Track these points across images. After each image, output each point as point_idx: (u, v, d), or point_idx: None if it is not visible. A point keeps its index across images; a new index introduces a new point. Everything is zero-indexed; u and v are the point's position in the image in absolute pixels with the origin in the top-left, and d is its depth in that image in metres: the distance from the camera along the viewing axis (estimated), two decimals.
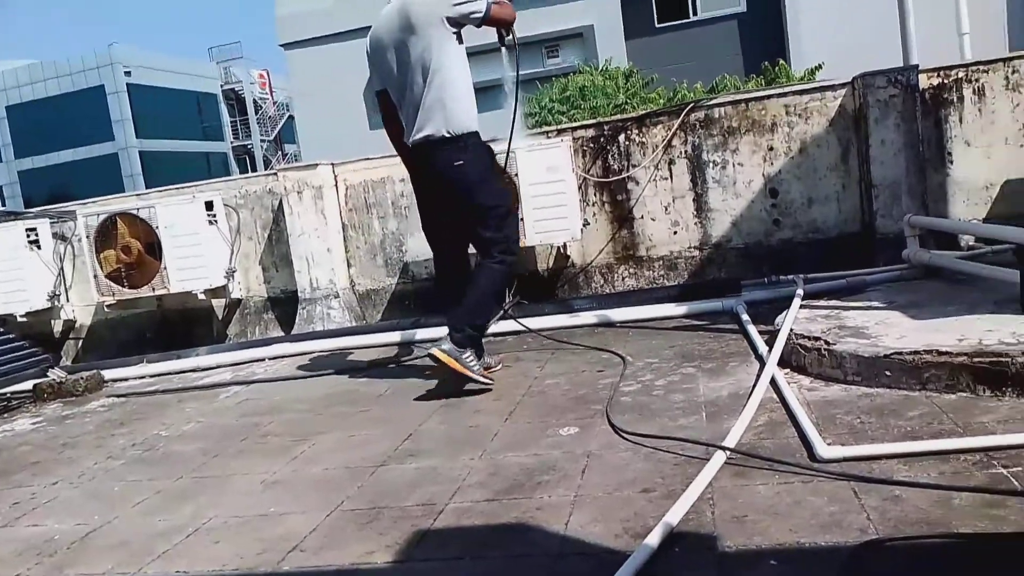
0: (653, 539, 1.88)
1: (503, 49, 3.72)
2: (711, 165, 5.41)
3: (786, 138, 5.29)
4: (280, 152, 43.33)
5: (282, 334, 5.99)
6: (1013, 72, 4.95)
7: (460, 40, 3.55)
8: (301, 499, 2.57)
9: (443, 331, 3.74)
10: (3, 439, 3.94)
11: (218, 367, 5.03)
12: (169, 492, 2.81)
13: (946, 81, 5.06)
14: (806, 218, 5.31)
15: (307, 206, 5.84)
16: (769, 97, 5.36)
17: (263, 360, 5.04)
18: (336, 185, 5.99)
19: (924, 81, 5.05)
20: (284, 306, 6.20)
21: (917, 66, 5.16)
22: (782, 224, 5.35)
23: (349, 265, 6.06)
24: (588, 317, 4.76)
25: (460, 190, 3.58)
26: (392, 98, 3.69)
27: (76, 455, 3.45)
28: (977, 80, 5.02)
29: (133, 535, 2.45)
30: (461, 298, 3.63)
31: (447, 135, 3.50)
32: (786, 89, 5.47)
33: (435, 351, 3.49)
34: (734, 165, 5.37)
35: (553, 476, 2.45)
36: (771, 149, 5.31)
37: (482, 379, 3.54)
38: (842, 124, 5.19)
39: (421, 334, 4.97)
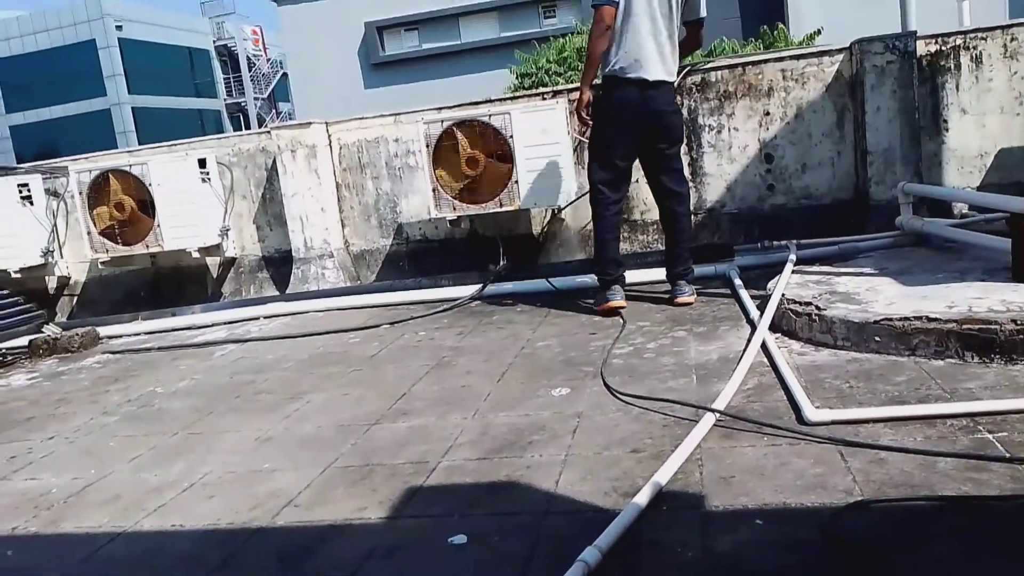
0: (642, 498, 1.92)
1: None
2: (707, 129, 5.38)
3: (782, 103, 5.25)
4: (274, 110, 42.76)
5: (276, 293, 5.99)
6: (1012, 40, 4.91)
7: None
8: (294, 456, 2.60)
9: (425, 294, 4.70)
10: None
11: (212, 325, 5.05)
12: (163, 448, 2.84)
13: (944, 48, 5.03)
14: (800, 184, 5.30)
15: (301, 165, 5.80)
16: (766, 62, 5.31)
17: (257, 319, 5.05)
18: (330, 144, 5.95)
19: (922, 48, 5.01)
20: (278, 265, 6.19)
21: (915, 32, 5.11)
22: (776, 189, 5.34)
23: (343, 225, 6.04)
24: (582, 280, 4.77)
25: (674, 126, 4.03)
26: (620, 17, 3.82)
27: (71, 411, 3.48)
28: (975, 48, 4.98)
29: (128, 490, 2.48)
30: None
31: (674, 80, 3.98)
32: (783, 54, 5.42)
33: (685, 299, 4.00)
34: (730, 130, 5.35)
35: (543, 436, 2.49)
36: (767, 114, 5.29)
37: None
38: (838, 90, 5.16)
39: (416, 295, 4.98)
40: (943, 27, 5.36)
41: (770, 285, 3.68)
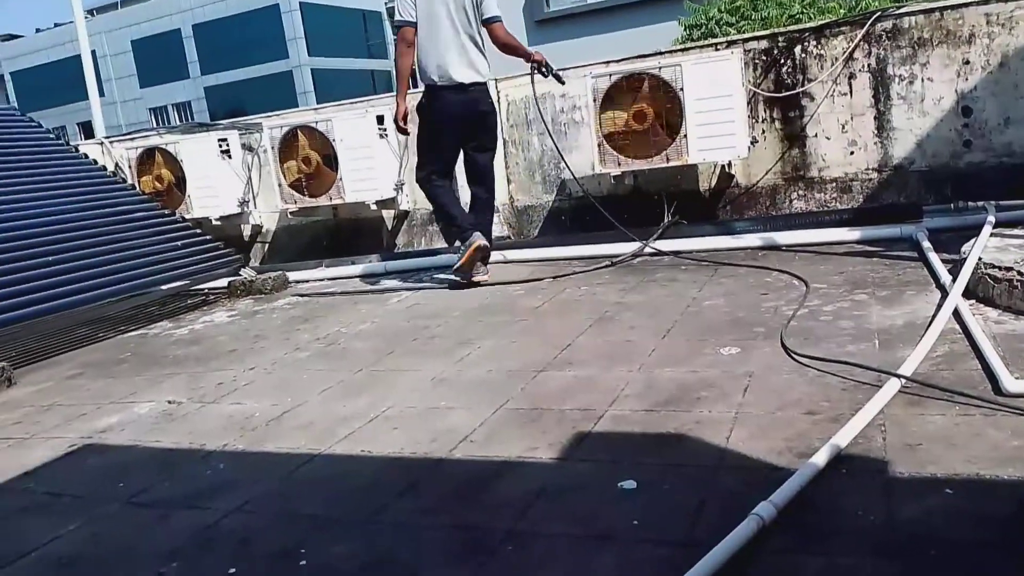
0: (819, 459, 1.87)
1: None
2: (896, 80, 5.01)
3: (984, 51, 4.79)
4: None
5: (445, 246, 6.21)
6: None
7: None
8: (467, 396, 2.73)
9: (587, 250, 4.97)
10: (204, 329, 4.40)
11: (387, 274, 5.33)
12: (349, 383, 3.06)
13: None
14: (1002, 140, 4.84)
15: None
16: (967, 5, 4.84)
17: (428, 270, 5.28)
18: (498, 100, 6.04)
19: None
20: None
21: None
22: (973, 146, 4.91)
23: (508, 181, 6.15)
24: (751, 239, 4.63)
25: (493, 126, 4.58)
26: (423, 31, 4.33)
27: (267, 346, 3.81)
28: None
29: (320, 418, 2.71)
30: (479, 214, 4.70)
31: (487, 80, 4.48)
32: None
33: (484, 241, 4.45)
34: (923, 80, 4.95)
35: (712, 393, 2.47)
36: (966, 63, 4.84)
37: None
38: None
39: (579, 251, 5.02)
40: None
41: (964, 249, 3.42)
